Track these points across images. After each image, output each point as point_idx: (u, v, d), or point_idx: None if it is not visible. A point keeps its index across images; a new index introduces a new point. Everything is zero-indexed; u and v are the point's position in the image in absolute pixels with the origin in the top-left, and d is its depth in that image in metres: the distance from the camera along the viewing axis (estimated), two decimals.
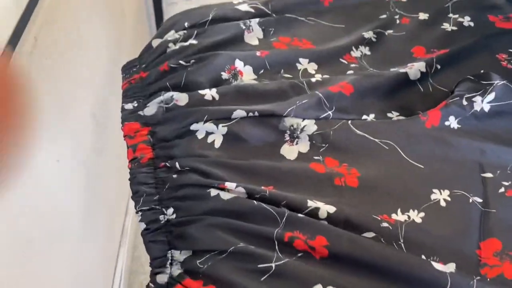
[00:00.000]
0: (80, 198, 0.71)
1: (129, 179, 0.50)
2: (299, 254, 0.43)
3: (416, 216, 0.48)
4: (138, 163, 0.51)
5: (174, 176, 0.49)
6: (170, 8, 0.63)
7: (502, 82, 0.57)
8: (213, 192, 0.47)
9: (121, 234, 0.99)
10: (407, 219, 0.47)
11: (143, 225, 0.47)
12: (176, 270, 0.44)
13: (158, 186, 0.49)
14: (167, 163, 0.50)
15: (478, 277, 0.43)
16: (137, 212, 0.48)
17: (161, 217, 0.47)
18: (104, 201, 0.87)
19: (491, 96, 0.56)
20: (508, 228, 0.47)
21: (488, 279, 0.43)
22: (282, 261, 0.42)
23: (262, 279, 0.41)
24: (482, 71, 0.60)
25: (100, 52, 0.83)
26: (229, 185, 0.47)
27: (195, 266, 0.43)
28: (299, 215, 0.45)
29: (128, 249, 1.00)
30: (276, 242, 0.43)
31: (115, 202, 0.97)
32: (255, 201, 0.46)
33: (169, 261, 0.45)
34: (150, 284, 0.44)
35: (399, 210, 0.48)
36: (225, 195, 0.46)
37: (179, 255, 0.45)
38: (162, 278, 0.44)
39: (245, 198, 0.46)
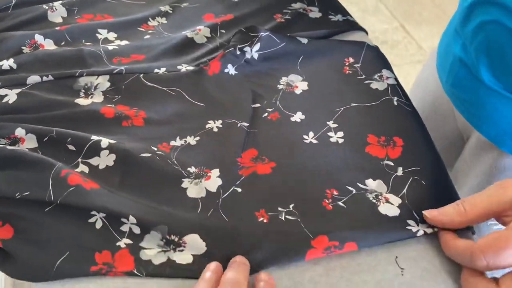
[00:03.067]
0: None
1: None
2: (72, 188, 0.50)
3: (192, 140, 0.59)
4: None
5: None
6: None
7: (266, 33, 0.71)
8: None
9: None
10: (183, 143, 0.58)
11: None
12: None
13: None
14: None
15: (236, 177, 0.55)
16: None
17: None
18: None
19: (257, 46, 0.70)
20: (265, 141, 0.60)
21: (244, 176, 0.55)
22: (59, 197, 0.49)
23: (46, 209, 0.49)
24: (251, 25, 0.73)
25: None
26: (19, 132, 0.54)
27: None
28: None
29: None
30: (51, 182, 0.49)
31: None
32: (37, 153, 0.53)
33: None
34: None
35: (178, 138, 0.59)
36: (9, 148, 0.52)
37: None
38: None
39: (26, 151, 0.52)
